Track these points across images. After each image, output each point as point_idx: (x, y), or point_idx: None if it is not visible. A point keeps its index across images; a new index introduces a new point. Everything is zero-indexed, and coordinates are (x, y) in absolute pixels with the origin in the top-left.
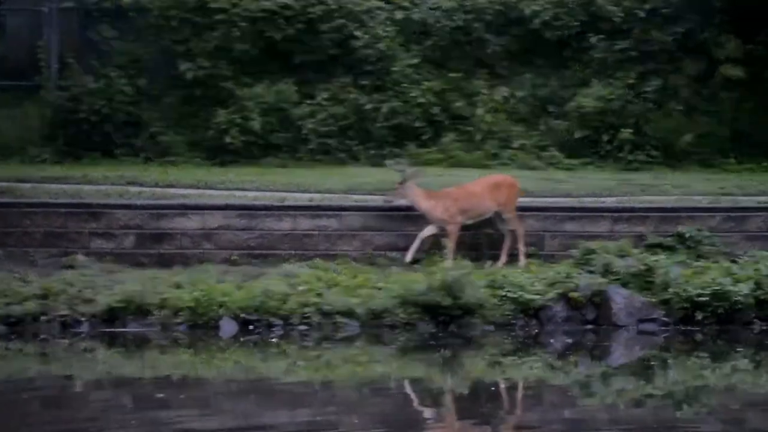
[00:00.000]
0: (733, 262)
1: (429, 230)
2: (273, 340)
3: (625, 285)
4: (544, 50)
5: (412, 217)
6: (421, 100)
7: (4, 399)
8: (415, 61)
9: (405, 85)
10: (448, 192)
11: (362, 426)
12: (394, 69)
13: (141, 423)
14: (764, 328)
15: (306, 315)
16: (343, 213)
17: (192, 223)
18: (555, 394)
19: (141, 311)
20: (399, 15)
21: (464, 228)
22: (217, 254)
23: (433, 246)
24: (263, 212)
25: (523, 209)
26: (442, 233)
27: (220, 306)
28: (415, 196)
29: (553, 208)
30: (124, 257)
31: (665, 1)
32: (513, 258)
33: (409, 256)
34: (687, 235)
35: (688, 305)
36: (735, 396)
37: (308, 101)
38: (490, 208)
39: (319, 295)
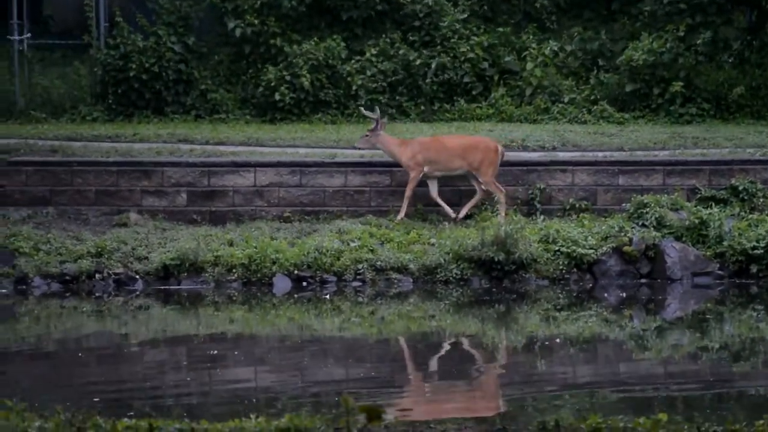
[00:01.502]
0: None
1: (434, 187)
2: (326, 296)
3: (678, 238)
4: (592, 3)
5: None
6: (470, 55)
7: (59, 357)
8: (464, 15)
9: (454, 40)
10: (420, 140)
11: (417, 381)
12: (442, 24)
13: (195, 380)
14: None
15: (359, 271)
16: (394, 169)
17: (244, 180)
18: (610, 348)
19: (195, 268)
20: None
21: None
22: (269, 211)
23: (487, 201)
24: (314, 169)
25: (574, 164)
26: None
27: (274, 263)
28: (388, 142)
29: (605, 162)
30: (176, 215)
31: None
32: (565, 212)
33: (454, 213)
34: (740, 188)
35: (743, 258)
36: None
37: (357, 57)
38: (460, 167)
39: (372, 251)
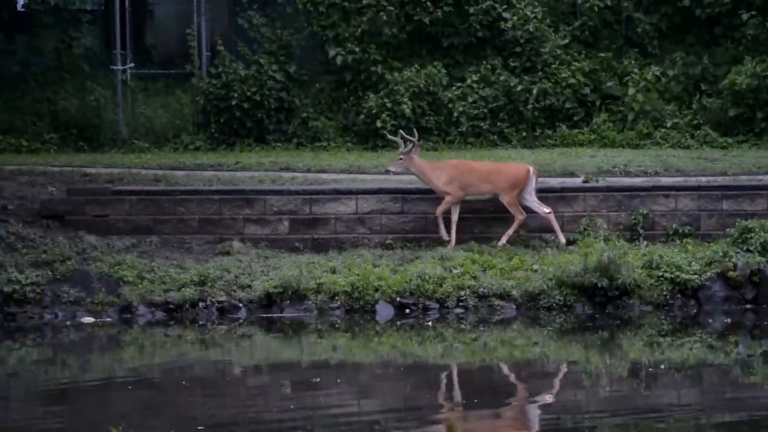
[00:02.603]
0: None
1: (455, 212)
2: (429, 323)
3: None
4: (695, 28)
5: (567, 198)
6: (572, 80)
7: (164, 385)
8: (565, 41)
9: (555, 65)
10: (452, 163)
11: (520, 407)
12: (543, 50)
13: (299, 407)
14: None
15: (462, 298)
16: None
17: (345, 207)
18: (715, 374)
19: (297, 296)
20: None
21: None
22: (372, 238)
23: (590, 226)
24: (416, 196)
25: (677, 189)
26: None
27: (376, 290)
28: (421, 166)
29: (708, 187)
30: (278, 243)
31: None
32: (668, 237)
33: (445, 236)
34: None
35: None
36: None
37: (458, 84)
38: (488, 191)
39: (474, 277)
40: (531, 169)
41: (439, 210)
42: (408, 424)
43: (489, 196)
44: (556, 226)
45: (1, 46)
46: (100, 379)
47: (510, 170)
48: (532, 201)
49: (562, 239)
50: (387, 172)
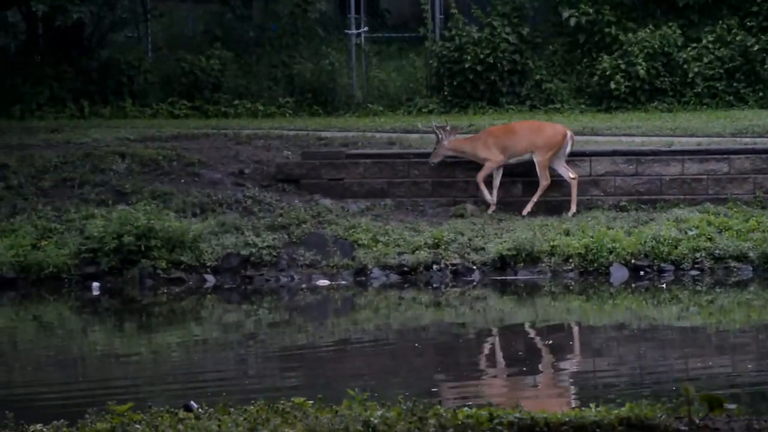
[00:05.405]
0: None
1: (497, 175)
2: (663, 285)
3: None
4: None
5: None
6: None
7: (396, 347)
8: None
9: None
10: (489, 129)
11: (759, 372)
12: None
13: (530, 369)
14: None
15: (697, 260)
16: (732, 156)
17: (579, 169)
18: None
19: (531, 258)
20: None
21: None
22: (605, 200)
23: None
24: (651, 157)
25: None
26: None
27: (610, 252)
28: (457, 145)
29: None
30: (512, 205)
31: None
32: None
33: (489, 198)
34: None
35: None
36: None
37: (693, 44)
38: (526, 150)
39: (710, 239)
40: (569, 133)
41: (480, 175)
42: (643, 385)
43: (529, 155)
44: (574, 194)
45: (238, 11)
46: (335, 341)
47: (549, 130)
48: (560, 165)
49: (573, 209)
50: (428, 163)
